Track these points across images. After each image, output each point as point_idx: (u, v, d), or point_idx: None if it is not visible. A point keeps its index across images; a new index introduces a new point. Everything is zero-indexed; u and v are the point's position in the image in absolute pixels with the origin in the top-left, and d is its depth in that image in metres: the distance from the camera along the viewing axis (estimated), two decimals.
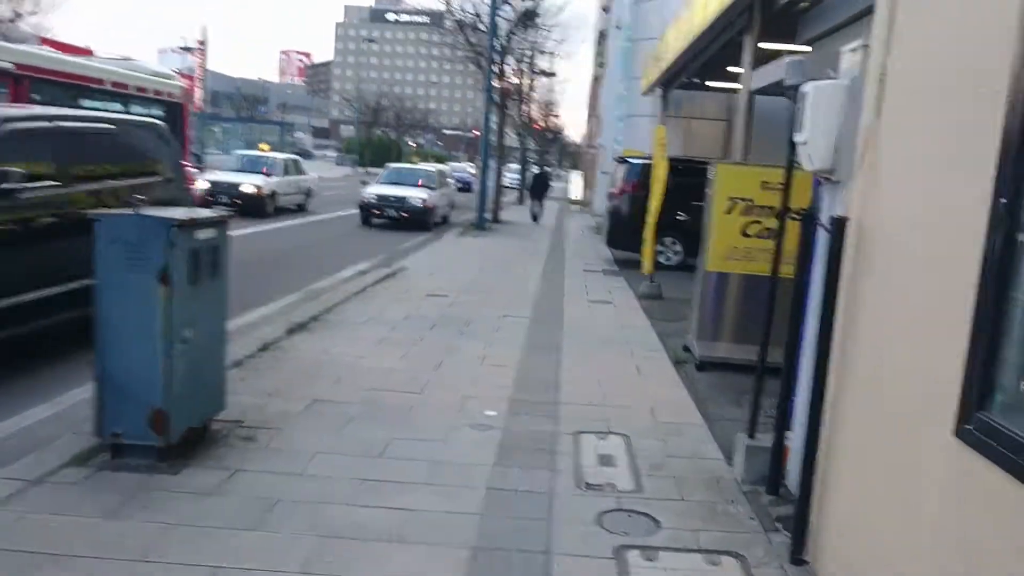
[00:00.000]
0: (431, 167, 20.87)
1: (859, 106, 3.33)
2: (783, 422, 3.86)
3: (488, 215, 21.14)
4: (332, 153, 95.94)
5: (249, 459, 4.09)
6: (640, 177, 13.63)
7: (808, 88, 3.57)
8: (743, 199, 6.55)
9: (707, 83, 17.28)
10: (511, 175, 51.95)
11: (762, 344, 4.18)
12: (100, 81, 11.06)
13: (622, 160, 14.57)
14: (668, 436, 4.85)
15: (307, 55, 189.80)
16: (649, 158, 14.34)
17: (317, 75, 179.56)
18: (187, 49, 35.22)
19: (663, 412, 5.34)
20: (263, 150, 21.83)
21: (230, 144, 60.08)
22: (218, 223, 4.20)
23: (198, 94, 38.93)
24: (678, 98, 19.10)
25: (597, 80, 36.11)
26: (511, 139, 48.12)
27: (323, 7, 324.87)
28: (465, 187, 36.10)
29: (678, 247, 13.63)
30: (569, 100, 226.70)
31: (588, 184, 34.15)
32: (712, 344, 6.70)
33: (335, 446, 4.36)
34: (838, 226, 3.11)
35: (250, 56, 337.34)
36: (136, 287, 3.74)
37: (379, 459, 4.22)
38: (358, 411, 4.95)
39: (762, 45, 10.18)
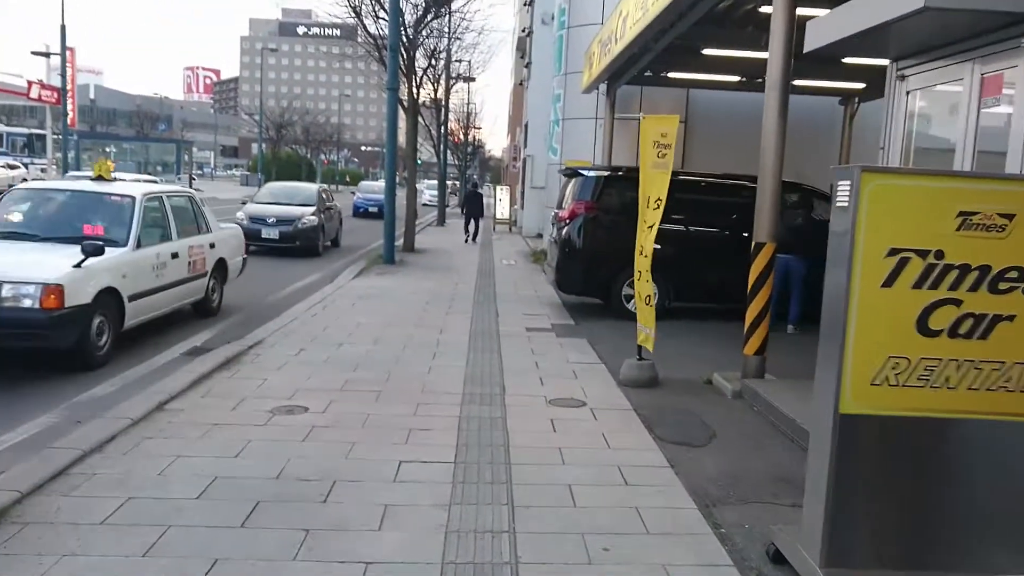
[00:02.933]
0: (136, 188, 8.10)
1: None
2: None
3: (399, 243, 17.23)
4: (238, 173, 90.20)
5: None
6: (598, 193, 10.00)
7: None
8: (920, 252, 2.90)
9: (668, 74, 13.87)
10: (429, 192, 48.04)
11: None
12: None
13: (571, 172, 10.92)
14: None
15: (215, 72, 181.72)
16: (607, 169, 10.73)
17: (225, 92, 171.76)
18: (45, 54, 29.91)
19: None
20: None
21: (118, 165, 54.52)
22: None
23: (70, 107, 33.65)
24: (626, 96, 15.66)
25: (521, 84, 32.65)
26: (428, 153, 44.37)
27: (231, 23, 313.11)
28: (382, 211, 31.24)
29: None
30: (486, 113, 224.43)
31: (514, 201, 30.54)
32: None
33: None
34: None
35: (155, 74, 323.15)
36: None
37: None
38: None
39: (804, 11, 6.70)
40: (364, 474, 4.35)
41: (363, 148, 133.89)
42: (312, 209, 16.89)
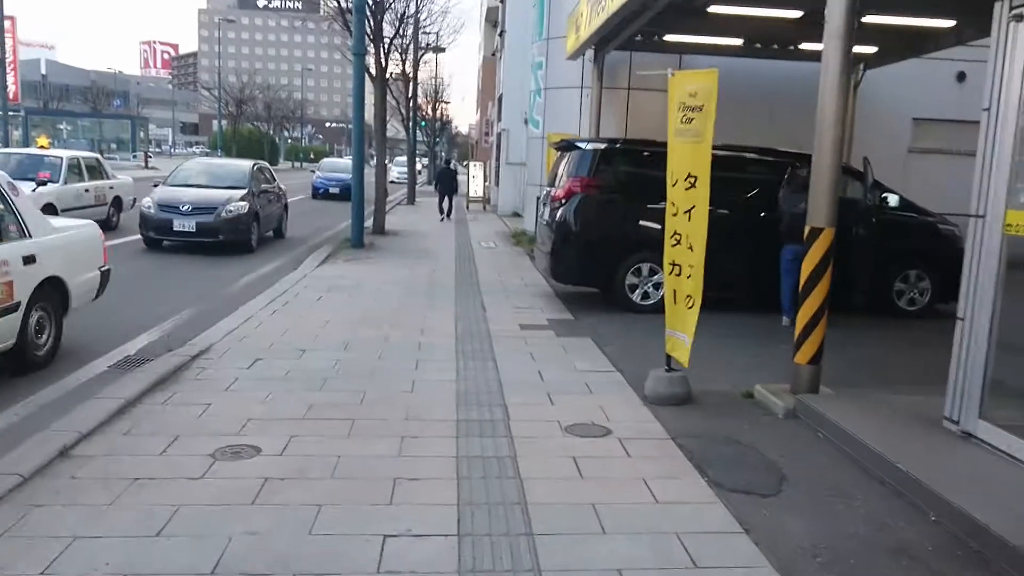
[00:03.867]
0: None
1: None
2: None
3: (369, 225, 15.90)
4: (198, 150, 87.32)
5: None
6: (596, 168, 8.79)
7: None
8: None
9: (664, 37, 12.64)
10: (398, 169, 46.38)
11: None
12: None
13: (566, 145, 9.68)
14: None
15: (173, 46, 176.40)
16: (605, 141, 9.49)
17: (184, 67, 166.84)
18: None
19: None
20: (42, 146, 15.78)
21: (68, 144, 52.12)
22: None
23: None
24: (614, 64, 14.41)
25: (494, 55, 31.21)
26: (394, 129, 42.72)
27: None
28: (346, 190, 27.00)
29: (659, 275, 8.86)
30: (453, 89, 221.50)
31: (487, 178, 29.21)
32: None
33: None
34: None
35: (111, 49, 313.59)
36: None
37: None
38: None
39: None
40: (335, 560, 3.14)
41: (327, 124, 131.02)
42: (242, 192, 13.43)
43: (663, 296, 8.87)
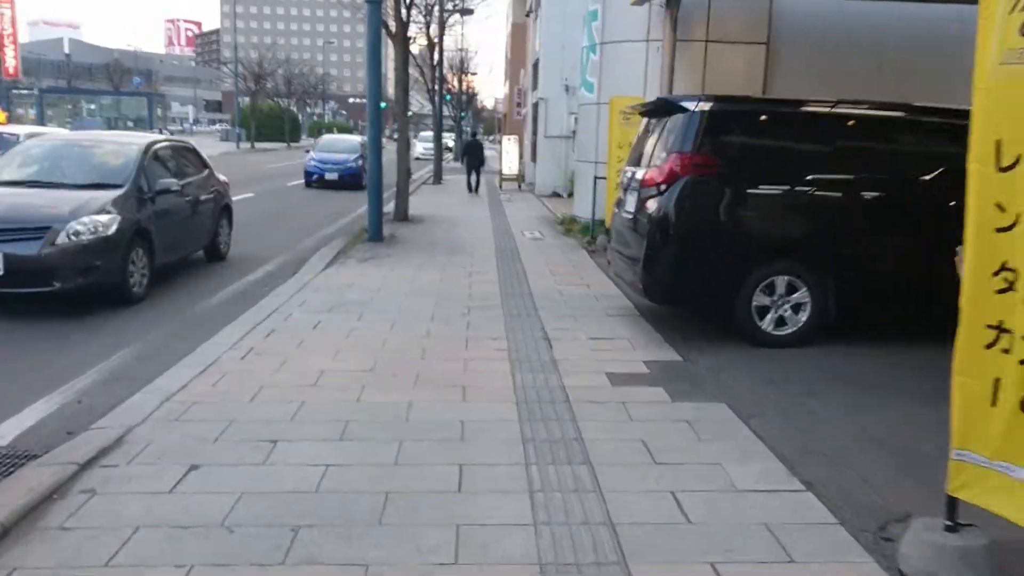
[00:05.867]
0: None
1: None
2: None
3: (389, 211, 13.37)
4: (220, 128, 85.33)
5: None
6: (706, 139, 6.08)
7: None
8: None
9: None
10: (424, 145, 43.61)
11: None
12: None
13: (661, 107, 6.91)
14: None
15: (197, 24, 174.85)
16: (718, 100, 6.63)
17: (207, 44, 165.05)
18: None
19: None
20: None
21: (85, 122, 50.22)
22: None
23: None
24: (689, 11, 11.61)
25: (528, 16, 28.26)
26: (417, 104, 40.06)
27: None
28: (348, 177, 21.42)
29: (801, 292, 6.14)
30: (479, 60, 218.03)
31: (523, 153, 26.42)
32: None
33: None
34: None
35: (136, 28, 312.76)
36: None
37: None
38: None
39: None
40: None
41: (350, 100, 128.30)
42: (113, 195, 7.31)
43: (806, 322, 6.24)
